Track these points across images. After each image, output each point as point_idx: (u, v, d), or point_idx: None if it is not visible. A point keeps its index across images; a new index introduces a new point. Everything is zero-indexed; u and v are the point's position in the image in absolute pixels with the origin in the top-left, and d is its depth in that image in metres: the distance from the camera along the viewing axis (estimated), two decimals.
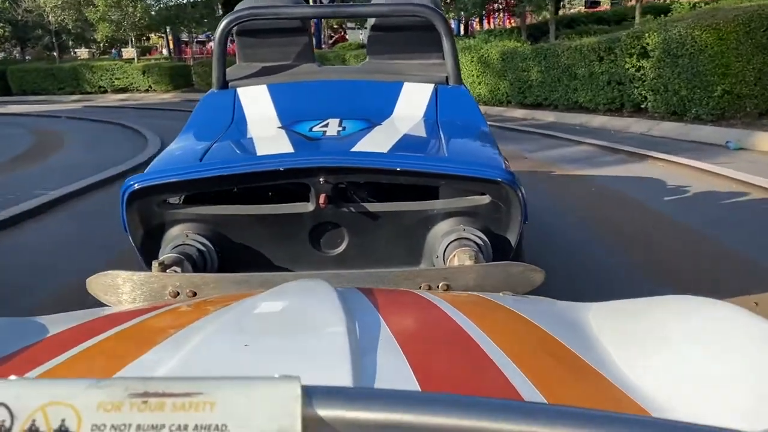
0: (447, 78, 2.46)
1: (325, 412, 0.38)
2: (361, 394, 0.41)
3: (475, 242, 1.64)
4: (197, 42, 35.98)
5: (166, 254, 1.62)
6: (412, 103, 2.34)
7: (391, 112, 2.30)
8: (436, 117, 2.28)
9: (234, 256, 1.75)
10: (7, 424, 0.36)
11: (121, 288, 1.39)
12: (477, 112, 2.40)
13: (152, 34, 38.34)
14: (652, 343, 0.77)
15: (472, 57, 12.68)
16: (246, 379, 0.39)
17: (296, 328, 0.79)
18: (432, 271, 1.48)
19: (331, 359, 0.64)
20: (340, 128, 2.07)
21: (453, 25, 23.23)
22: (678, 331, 0.78)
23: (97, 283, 1.40)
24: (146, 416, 0.37)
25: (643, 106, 9.08)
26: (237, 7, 2.46)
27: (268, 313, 0.87)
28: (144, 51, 39.15)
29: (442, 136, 2.07)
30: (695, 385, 0.66)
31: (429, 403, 0.39)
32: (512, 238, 1.73)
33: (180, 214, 1.74)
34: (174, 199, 1.80)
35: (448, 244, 1.65)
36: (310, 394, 0.39)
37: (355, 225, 1.75)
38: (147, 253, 1.73)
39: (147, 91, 22.58)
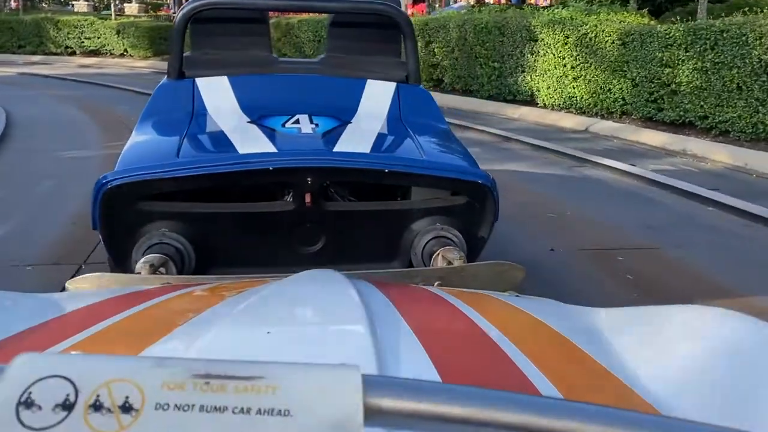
0: (407, 77, 2.45)
1: (385, 402, 0.39)
2: (420, 386, 0.42)
3: (452, 240, 1.69)
4: None
5: (143, 252, 1.57)
6: (376, 101, 2.31)
7: (356, 110, 2.25)
8: (400, 116, 2.27)
9: (211, 253, 1.70)
10: (72, 398, 0.36)
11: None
12: (437, 111, 2.39)
13: None
14: (667, 351, 0.76)
15: (566, 37, 7.93)
16: (307, 365, 0.39)
17: (316, 318, 0.82)
18: (427, 271, 1.53)
19: (353, 349, 0.64)
20: (313, 125, 2.02)
21: None
22: (693, 342, 0.77)
23: (80, 286, 1.34)
24: (209, 397, 0.36)
25: None
26: None
27: (286, 302, 0.87)
28: (154, 8, 34.32)
29: (414, 136, 2.05)
30: (708, 396, 0.66)
31: (489, 400, 0.40)
32: (484, 235, 1.79)
33: (155, 211, 1.68)
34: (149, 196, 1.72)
35: (427, 242, 1.70)
36: (369, 383, 0.39)
37: (334, 223, 1.76)
38: (117, 251, 1.68)
39: (122, 55, 17.99)
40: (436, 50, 10.20)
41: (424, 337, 0.70)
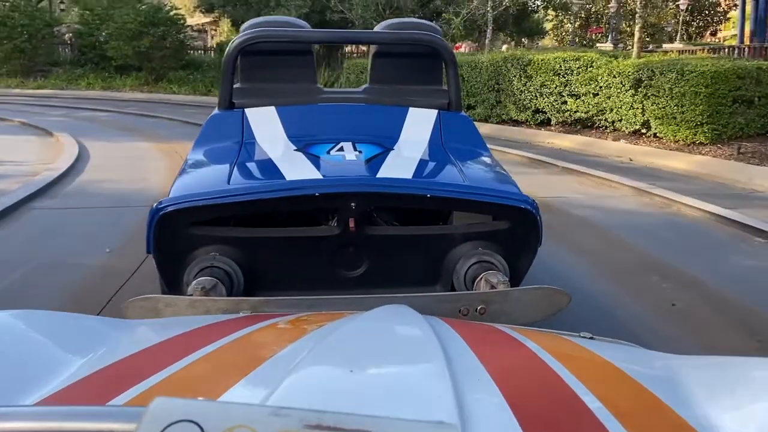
0: (449, 104, 2.54)
1: None
2: None
3: (495, 264, 1.71)
4: None
5: (194, 275, 1.63)
6: (418, 128, 2.37)
7: (398, 137, 2.31)
8: (442, 142, 2.32)
9: (257, 276, 1.77)
10: None
11: (162, 312, 1.39)
12: (479, 137, 2.43)
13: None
14: (755, 409, 0.72)
15: None
16: (410, 421, 0.41)
17: (395, 358, 0.82)
18: (471, 296, 1.54)
19: (433, 391, 0.66)
20: (357, 152, 2.06)
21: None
22: None
23: (136, 308, 1.40)
24: None
25: None
26: (243, 27, 2.57)
27: (366, 340, 0.89)
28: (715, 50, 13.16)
29: (455, 161, 2.08)
30: None
31: None
32: (527, 260, 1.82)
33: (206, 235, 1.74)
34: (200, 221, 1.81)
35: (470, 266, 1.72)
36: None
37: (377, 247, 1.80)
38: (170, 273, 1.74)
39: (640, 134, 8.61)
40: None
41: (502, 383, 0.71)
